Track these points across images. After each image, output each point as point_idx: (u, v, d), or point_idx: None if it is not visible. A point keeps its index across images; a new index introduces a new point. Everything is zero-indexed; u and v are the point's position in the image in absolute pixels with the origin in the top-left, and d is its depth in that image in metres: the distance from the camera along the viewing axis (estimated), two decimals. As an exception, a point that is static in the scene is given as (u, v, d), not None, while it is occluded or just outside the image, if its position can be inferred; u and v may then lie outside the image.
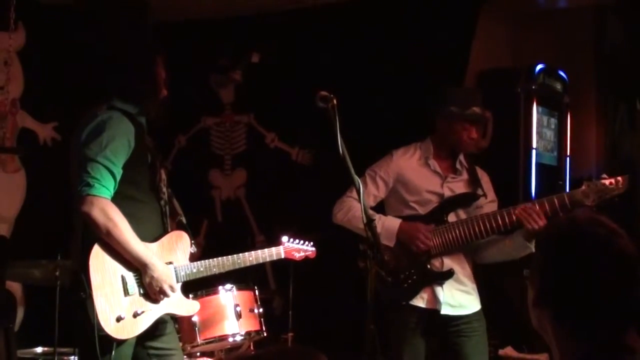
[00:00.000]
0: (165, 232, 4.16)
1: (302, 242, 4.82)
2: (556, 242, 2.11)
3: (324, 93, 3.88)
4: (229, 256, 4.33)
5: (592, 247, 2.03)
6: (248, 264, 4.42)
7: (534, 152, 6.82)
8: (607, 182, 4.56)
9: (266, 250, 4.57)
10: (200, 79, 7.56)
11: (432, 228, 4.72)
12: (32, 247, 6.03)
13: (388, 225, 4.75)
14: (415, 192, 4.85)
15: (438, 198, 4.84)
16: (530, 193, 6.62)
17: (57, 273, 5.00)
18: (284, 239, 4.74)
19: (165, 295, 4.00)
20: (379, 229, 4.52)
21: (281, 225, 6.52)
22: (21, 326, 6.39)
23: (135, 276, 3.97)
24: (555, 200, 4.59)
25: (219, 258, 4.29)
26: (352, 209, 4.80)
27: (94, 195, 3.83)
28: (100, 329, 3.81)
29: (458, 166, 4.91)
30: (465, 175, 4.92)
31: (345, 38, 6.89)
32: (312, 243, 4.88)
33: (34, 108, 6.73)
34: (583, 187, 4.61)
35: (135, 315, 3.93)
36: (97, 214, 3.83)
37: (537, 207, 4.57)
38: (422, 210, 4.83)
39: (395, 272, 4.60)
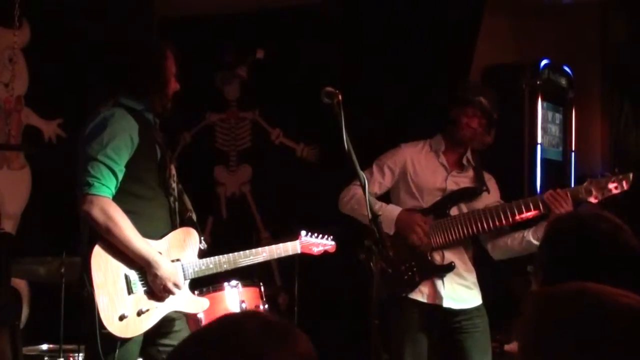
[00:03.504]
0: (174, 229, 4.15)
1: (321, 236, 4.77)
2: (560, 238, 2.11)
3: (329, 89, 3.88)
4: (241, 252, 4.30)
5: (596, 243, 2.03)
6: (261, 259, 4.40)
7: (539, 147, 6.82)
8: (612, 186, 4.60)
9: (281, 245, 4.53)
10: (205, 76, 7.56)
11: (430, 220, 4.74)
12: (37, 244, 6.03)
13: (388, 213, 4.75)
14: (420, 183, 4.88)
15: (441, 191, 4.86)
16: (535, 188, 6.62)
17: (63, 270, 5.01)
18: (303, 233, 4.69)
19: (170, 292, 3.98)
20: (379, 214, 4.54)
21: (286, 221, 6.53)
22: (27, 323, 6.40)
23: (139, 274, 3.95)
24: (569, 192, 4.64)
25: (230, 254, 4.27)
26: (357, 196, 4.81)
27: (94, 195, 3.83)
28: (103, 328, 3.81)
29: (464, 162, 4.92)
30: (470, 173, 4.95)
31: (349, 34, 6.89)
32: (332, 237, 4.82)
33: (38, 105, 6.73)
34: (585, 184, 4.64)
35: (140, 313, 3.91)
36: (97, 213, 3.82)
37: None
38: (425, 203, 4.85)
39: (395, 263, 4.58)
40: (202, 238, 4.24)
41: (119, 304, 3.88)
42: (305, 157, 7.32)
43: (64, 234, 5.97)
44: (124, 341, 3.89)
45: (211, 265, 4.18)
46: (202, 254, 4.23)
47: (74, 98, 6.60)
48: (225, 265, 4.24)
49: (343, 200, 4.91)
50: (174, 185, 4.19)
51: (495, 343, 5.29)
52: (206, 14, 7.45)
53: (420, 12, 6.64)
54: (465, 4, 6.58)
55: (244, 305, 5.02)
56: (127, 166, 3.95)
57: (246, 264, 4.33)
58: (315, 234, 4.74)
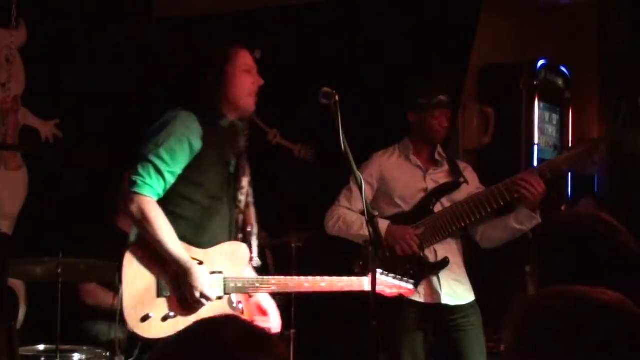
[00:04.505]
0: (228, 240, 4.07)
1: (399, 277, 4.39)
2: (557, 239, 2.11)
3: (326, 89, 3.89)
4: (296, 277, 4.14)
5: (594, 245, 2.03)
6: (317, 289, 4.14)
7: (535, 147, 6.82)
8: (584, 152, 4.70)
9: (345, 278, 4.22)
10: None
11: (420, 229, 4.75)
12: (34, 245, 6.02)
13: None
14: (400, 189, 4.90)
15: (422, 192, 4.89)
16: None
17: (59, 270, 5.00)
18: (378, 271, 4.24)
19: (198, 302, 3.87)
20: (366, 232, 4.57)
21: (284, 222, 6.52)
22: (23, 324, 6.39)
23: (172, 279, 3.87)
24: (536, 171, 4.76)
25: (282, 277, 4.14)
26: (342, 217, 4.84)
27: (136, 193, 3.81)
28: (125, 324, 3.80)
29: (437, 157, 4.97)
30: (445, 166, 5.00)
31: (347, 34, 6.89)
32: (412, 281, 4.42)
33: (35, 105, 6.72)
34: (558, 155, 4.91)
35: (166, 318, 3.84)
36: (135, 211, 3.80)
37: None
38: (407, 207, 4.88)
39: (392, 270, 4.56)
40: (253, 255, 4.11)
41: (145, 304, 3.82)
42: (302, 157, 7.31)
43: (60, 235, 5.98)
44: (150, 341, 3.81)
45: (257, 284, 4.06)
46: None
47: (71, 98, 6.59)
48: (273, 287, 4.10)
49: (329, 224, 4.89)
50: (242, 197, 4.10)
51: (492, 343, 5.29)
52: (204, 14, 7.45)
53: (418, 11, 6.64)
54: (463, 4, 6.58)
55: (240, 306, 5.00)
56: (186, 170, 3.90)
57: (300, 291, 4.16)
58: (392, 275, 4.35)
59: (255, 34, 7.31)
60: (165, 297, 3.87)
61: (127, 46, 6.89)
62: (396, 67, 6.63)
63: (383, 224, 4.73)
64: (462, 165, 5.06)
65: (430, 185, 4.90)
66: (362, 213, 4.68)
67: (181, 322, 3.86)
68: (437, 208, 4.86)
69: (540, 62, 6.89)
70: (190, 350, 1.54)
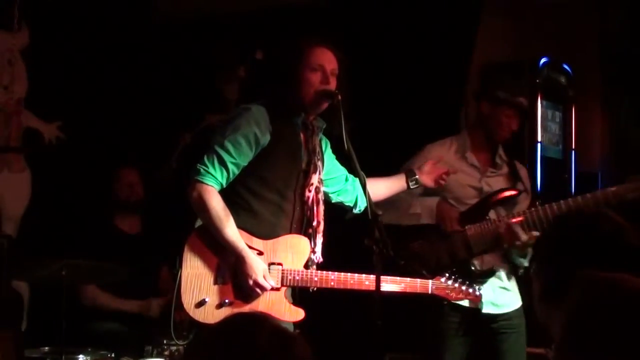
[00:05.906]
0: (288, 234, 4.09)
1: (467, 284, 4.34)
2: (562, 237, 2.11)
3: (328, 89, 3.89)
4: (357, 274, 4.06)
5: (598, 242, 2.03)
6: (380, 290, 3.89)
7: (539, 145, 6.80)
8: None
9: (408, 279, 4.18)
10: (204, 76, 7.55)
11: (471, 231, 4.56)
12: (38, 247, 6.03)
13: (428, 203, 4.61)
14: (453, 187, 4.67)
15: (476, 193, 4.69)
16: (536, 187, 6.60)
17: (63, 272, 5.00)
18: (442, 279, 4.27)
19: (253, 290, 3.92)
20: (419, 210, 4.51)
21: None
22: (28, 326, 6.40)
23: (231, 266, 3.94)
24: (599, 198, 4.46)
25: (342, 273, 4.08)
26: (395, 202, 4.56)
27: (197, 181, 3.88)
28: (181, 306, 3.86)
29: (498, 160, 4.77)
30: (505, 170, 4.79)
31: (347, 34, 6.88)
32: (480, 288, 4.40)
33: (38, 107, 6.73)
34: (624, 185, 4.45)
35: (221, 305, 3.91)
36: (195, 198, 3.87)
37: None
38: (461, 207, 4.65)
39: (437, 271, 4.34)
40: (315, 251, 4.09)
41: (202, 289, 3.90)
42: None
43: (64, 236, 5.98)
44: (204, 326, 3.87)
45: (316, 279, 4.05)
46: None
47: (74, 100, 6.60)
48: (332, 283, 4.07)
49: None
50: (309, 193, 4.09)
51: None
52: (205, 14, 7.45)
53: (419, 10, 6.63)
54: (464, 2, 6.58)
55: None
56: (252, 163, 3.96)
57: (361, 289, 4.05)
58: (460, 281, 4.31)
59: (257, 35, 7.31)
60: (223, 284, 3.94)
61: (128, 47, 6.90)
62: (397, 67, 6.63)
63: (433, 201, 4.61)
64: (519, 166, 4.84)
65: (485, 187, 4.69)
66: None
67: (236, 311, 3.89)
68: (492, 215, 4.60)
69: (543, 60, 6.87)
70: (222, 346, 1.62)
